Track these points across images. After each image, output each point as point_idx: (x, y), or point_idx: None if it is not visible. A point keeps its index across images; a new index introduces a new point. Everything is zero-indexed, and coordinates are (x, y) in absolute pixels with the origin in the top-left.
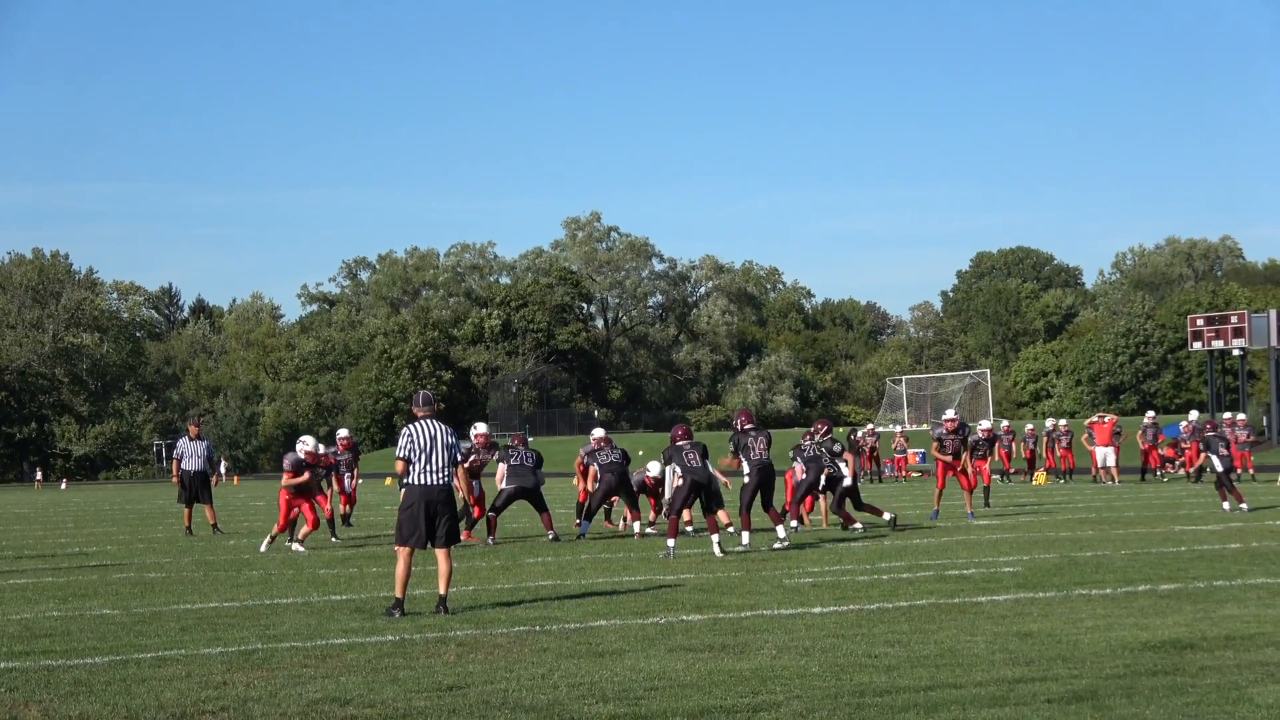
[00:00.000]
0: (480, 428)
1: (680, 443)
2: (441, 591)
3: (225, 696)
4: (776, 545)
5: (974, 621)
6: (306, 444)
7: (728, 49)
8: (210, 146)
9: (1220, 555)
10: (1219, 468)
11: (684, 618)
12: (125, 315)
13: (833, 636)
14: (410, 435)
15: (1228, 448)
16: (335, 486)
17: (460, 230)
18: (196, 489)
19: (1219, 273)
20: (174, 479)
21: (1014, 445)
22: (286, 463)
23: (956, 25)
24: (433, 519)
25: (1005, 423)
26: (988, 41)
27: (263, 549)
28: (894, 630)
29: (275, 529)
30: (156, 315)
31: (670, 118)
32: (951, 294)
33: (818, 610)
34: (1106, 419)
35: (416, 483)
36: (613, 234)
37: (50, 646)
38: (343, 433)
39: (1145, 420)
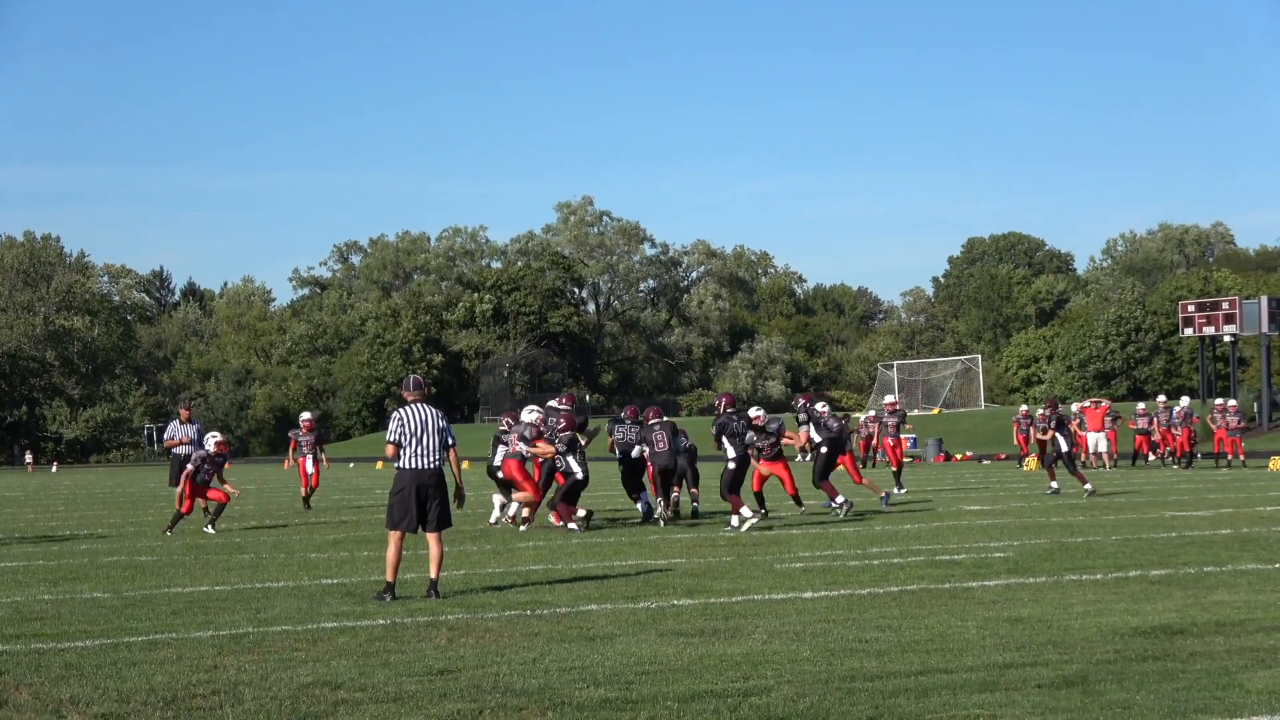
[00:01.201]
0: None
1: (651, 422)
2: (432, 575)
3: (216, 680)
4: (727, 530)
5: (965, 606)
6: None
7: (719, 33)
8: (202, 130)
9: (1211, 541)
10: (1063, 448)
11: (675, 602)
12: (116, 298)
13: (823, 621)
14: (401, 419)
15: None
16: (300, 468)
17: (451, 214)
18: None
19: (1210, 259)
20: (175, 444)
21: (1030, 430)
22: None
23: (948, 10)
24: (424, 503)
25: (1023, 408)
26: (980, 26)
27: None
28: (885, 615)
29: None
30: (148, 298)
31: (662, 102)
32: (943, 279)
33: (809, 595)
34: (1100, 404)
35: (407, 467)
36: (604, 218)
37: (41, 629)
38: (305, 416)
39: (1158, 404)
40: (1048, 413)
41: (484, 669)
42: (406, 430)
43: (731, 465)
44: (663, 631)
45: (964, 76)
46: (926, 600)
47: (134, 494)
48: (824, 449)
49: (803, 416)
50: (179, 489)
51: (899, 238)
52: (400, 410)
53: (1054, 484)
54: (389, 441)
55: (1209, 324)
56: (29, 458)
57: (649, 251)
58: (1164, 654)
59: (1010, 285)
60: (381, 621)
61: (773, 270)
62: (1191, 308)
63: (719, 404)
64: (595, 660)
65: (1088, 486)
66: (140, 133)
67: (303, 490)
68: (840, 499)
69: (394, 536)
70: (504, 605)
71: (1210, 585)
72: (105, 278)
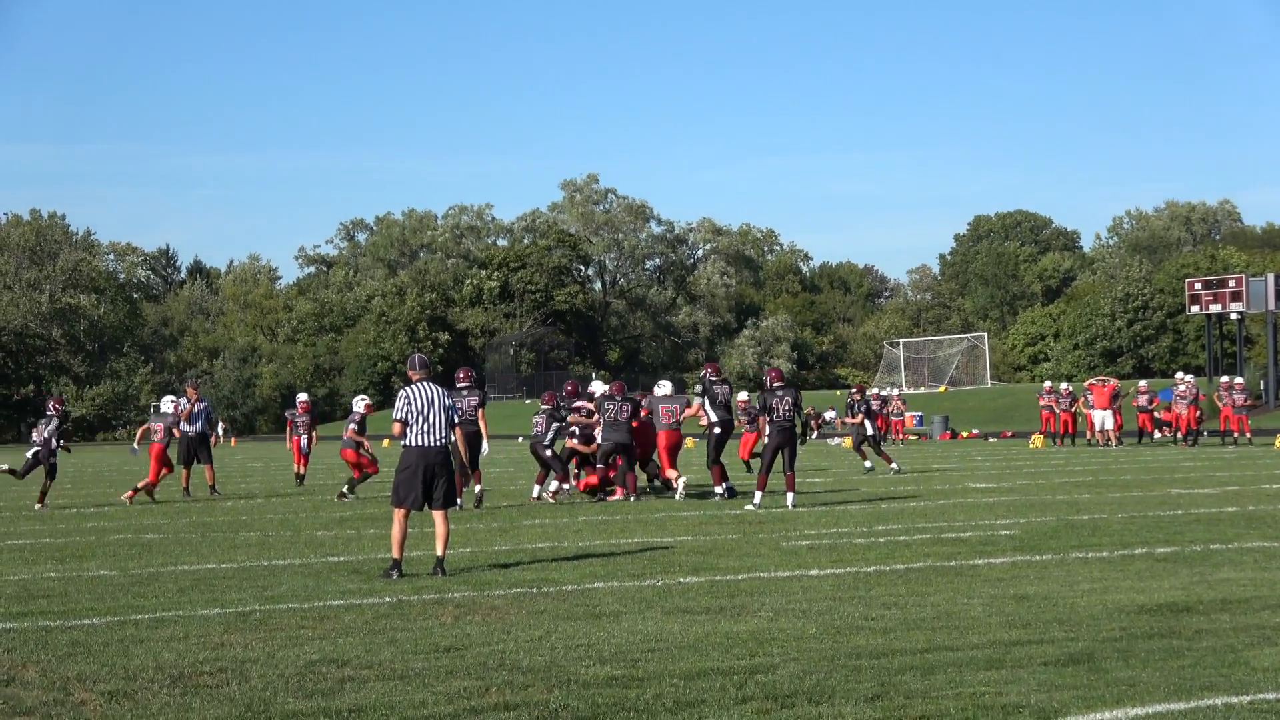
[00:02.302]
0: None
1: (777, 387)
2: (439, 553)
3: (223, 658)
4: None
5: (971, 584)
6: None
7: (724, 11)
8: (208, 107)
9: (1217, 519)
10: (869, 432)
11: (681, 580)
12: (122, 276)
13: (830, 599)
14: (407, 397)
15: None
16: (292, 447)
17: (457, 192)
18: (195, 450)
19: (1217, 236)
20: (178, 421)
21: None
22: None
23: None
24: (430, 481)
25: (1047, 384)
26: (985, 5)
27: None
28: (891, 593)
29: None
30: (154, 276)
31: (667, 80)
32: (949, 257)
33: (815, 573)
34: (1108, 383)
35: (413, 445)
36: (610, 196)
37: (48, 607)
38: (302, 397)
39: (1177, 380)
40: (857, 397)
41: (490, 646)
42: (413, 408)
43: (717, 430)
44: (669, 609)
45: (969, 54)
46: (932, 578)
47: (140, 472)
48: (717, 430)
49: (699, 389)
50: (349, 456)
51: (905, 215)
52: (407, 389)
53: (867, 463)
54: (396, 419)
55: (1215, 302)
56: (35, 435)
57: (655, 229)
58: (1170, 632)
59: (1017, 263)
60: (388, 599)
61: (779, 248)
62: (1198, 285)
63: (768, 379)
64: (601, 638)
65: (893, 465)
66: (146, 111)
67: (295, 468)
68: (721, 487)
69: (400, 514)
70: (510, 583)
71: (1216, 563)
72: (111, 256)
